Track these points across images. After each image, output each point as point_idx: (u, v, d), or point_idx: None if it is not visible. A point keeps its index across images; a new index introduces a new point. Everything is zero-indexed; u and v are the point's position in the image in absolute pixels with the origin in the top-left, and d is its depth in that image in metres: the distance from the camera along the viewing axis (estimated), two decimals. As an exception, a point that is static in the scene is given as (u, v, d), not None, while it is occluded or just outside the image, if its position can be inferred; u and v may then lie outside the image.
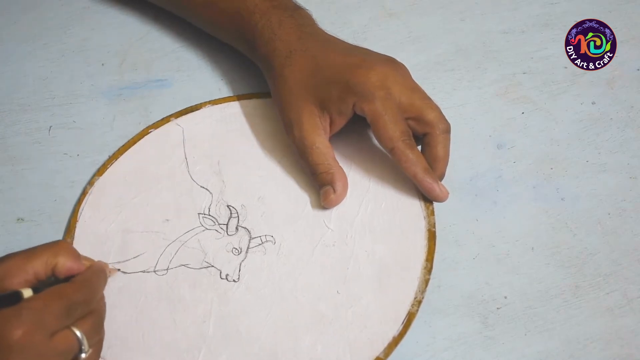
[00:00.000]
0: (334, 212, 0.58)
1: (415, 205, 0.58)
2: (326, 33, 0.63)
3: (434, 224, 0.57)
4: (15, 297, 0.46)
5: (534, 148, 0.65)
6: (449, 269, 0.58)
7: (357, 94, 0.57)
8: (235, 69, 0.69)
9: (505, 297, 0.56)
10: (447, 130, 0.58)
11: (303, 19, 0.63)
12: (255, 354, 0.53)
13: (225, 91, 0.67)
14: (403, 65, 0.60)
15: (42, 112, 0.66)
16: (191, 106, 0.65)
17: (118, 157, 0.62)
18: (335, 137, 0.60)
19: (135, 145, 0.63)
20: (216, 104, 0.66)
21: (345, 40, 0.62)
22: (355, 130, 0.61)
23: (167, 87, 0.68)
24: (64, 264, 0.49)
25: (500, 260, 0.58)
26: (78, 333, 0.48)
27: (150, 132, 0.64)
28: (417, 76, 0.62)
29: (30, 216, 0.60)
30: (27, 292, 0.47)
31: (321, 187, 0.58)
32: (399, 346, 0.54)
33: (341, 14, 0.73)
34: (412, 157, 0.56)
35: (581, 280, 0.57)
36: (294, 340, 0.53)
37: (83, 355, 0.49)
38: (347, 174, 0.59)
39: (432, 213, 0.58)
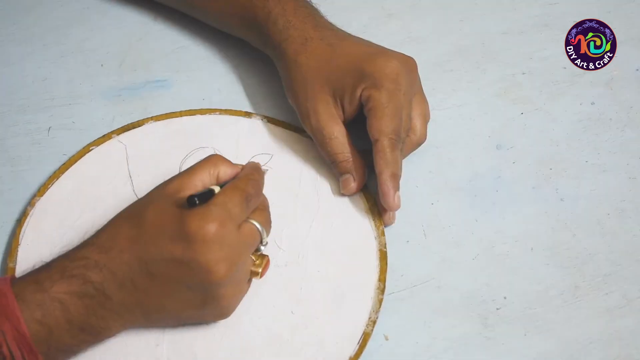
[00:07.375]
0: (285, 232, 0.58)
1: (366, 225, 0.59)
2: (337, 27, 0.64)
3: (385, 244, 0.57)
4: (209, 194, 0.49)
5: (533, 148, 0.65)
6: (449, 269, 0.58)
7: (367, 81, 0.57)
8: (235, 69, 0.69)
9: (505, 298, 0.56)
10: (419, 143, 0.61)
11: (315, 10, 0.64)
12: None
13: (225, 92, 0.67)
14: (416, 66, 0.61)
15: (42, 113, 0.66)
16: (132, 122, 0.64)
17: (59, 176, 0.60)
18: (286, 155, 0.61)
19: (76, 163, 0.61)
20: (159, 120, 0.64)
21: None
22: (302, 149, 0.62)
23: (167, 88, 0.68)
24: (226, 170, 0.53)
25: (499, 261, 0.58)
26: (258, 225, 0.51)
27: (92, 149, 0.62)
28: (416, 77, 0.62)
29: (29, 217, 0.60)
30: (217, 189, 0.50)
31: (341, 175, 0.59)
32: (398, 347, 0.54)
33: (341, 14, 0.73)
34: (389, 157, 0.57)
35: (581, 281, 0.57)
36: None
37: (262, 248, 0.52)
38: (296, 193, 0.60)
39: (383, 233, 0.58)
